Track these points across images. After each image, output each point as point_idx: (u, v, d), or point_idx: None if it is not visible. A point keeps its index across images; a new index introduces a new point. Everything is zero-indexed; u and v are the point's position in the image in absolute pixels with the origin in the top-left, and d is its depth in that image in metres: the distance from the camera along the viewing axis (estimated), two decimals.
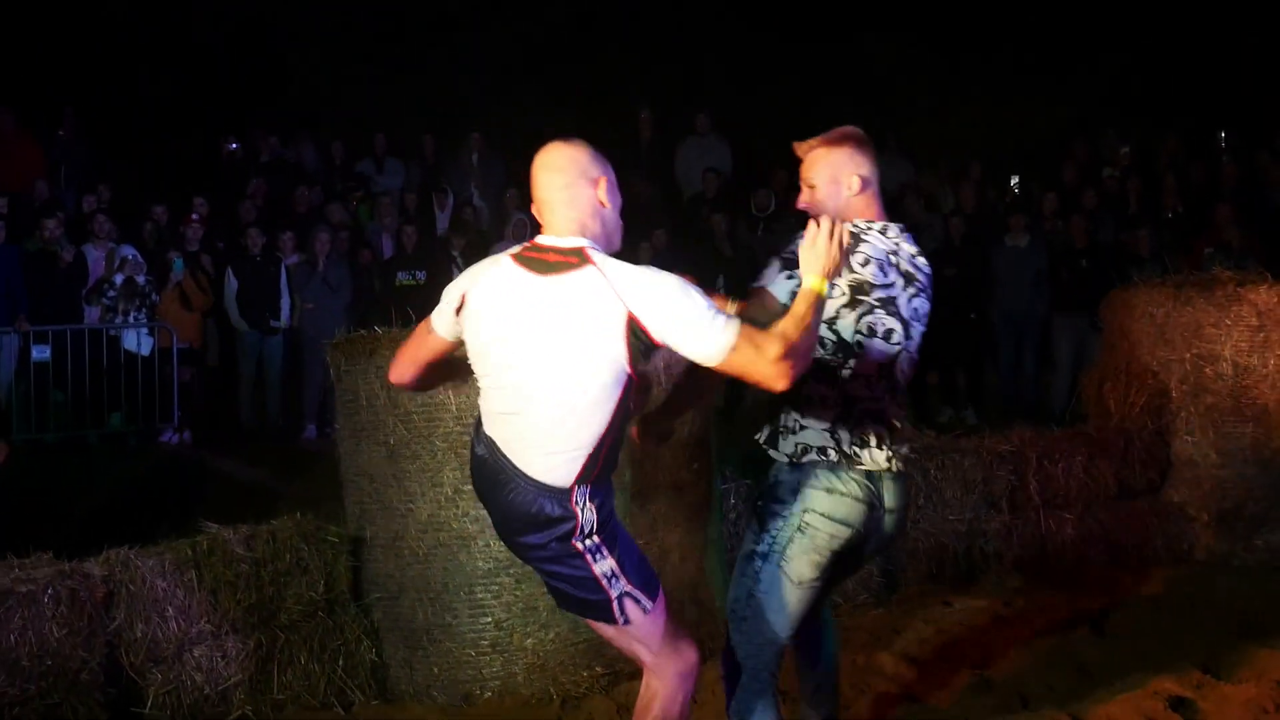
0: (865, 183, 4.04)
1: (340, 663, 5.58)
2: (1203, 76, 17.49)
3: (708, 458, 6.09)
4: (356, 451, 5.81)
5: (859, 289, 3.87)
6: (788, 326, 3.55)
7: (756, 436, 4.06)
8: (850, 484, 3.89)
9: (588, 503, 3.65)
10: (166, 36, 17.19)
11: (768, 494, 4.00)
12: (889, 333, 3.94)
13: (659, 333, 3.50)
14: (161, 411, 11.78)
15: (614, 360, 3.54)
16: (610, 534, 3.72)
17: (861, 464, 3.89)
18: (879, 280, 3.90)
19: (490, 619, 5.52)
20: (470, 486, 5.41)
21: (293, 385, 12.43)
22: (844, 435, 3.89)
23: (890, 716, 5.19)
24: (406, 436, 5.57)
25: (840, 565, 4.02)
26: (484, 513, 5.41)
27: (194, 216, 12.70)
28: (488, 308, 3.66)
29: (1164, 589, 6.87)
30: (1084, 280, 11.83)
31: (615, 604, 3.71)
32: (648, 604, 3.75)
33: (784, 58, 18.49)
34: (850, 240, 3.83)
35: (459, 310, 3.72)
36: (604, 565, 3.70)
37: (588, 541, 3.67)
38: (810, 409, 3.91)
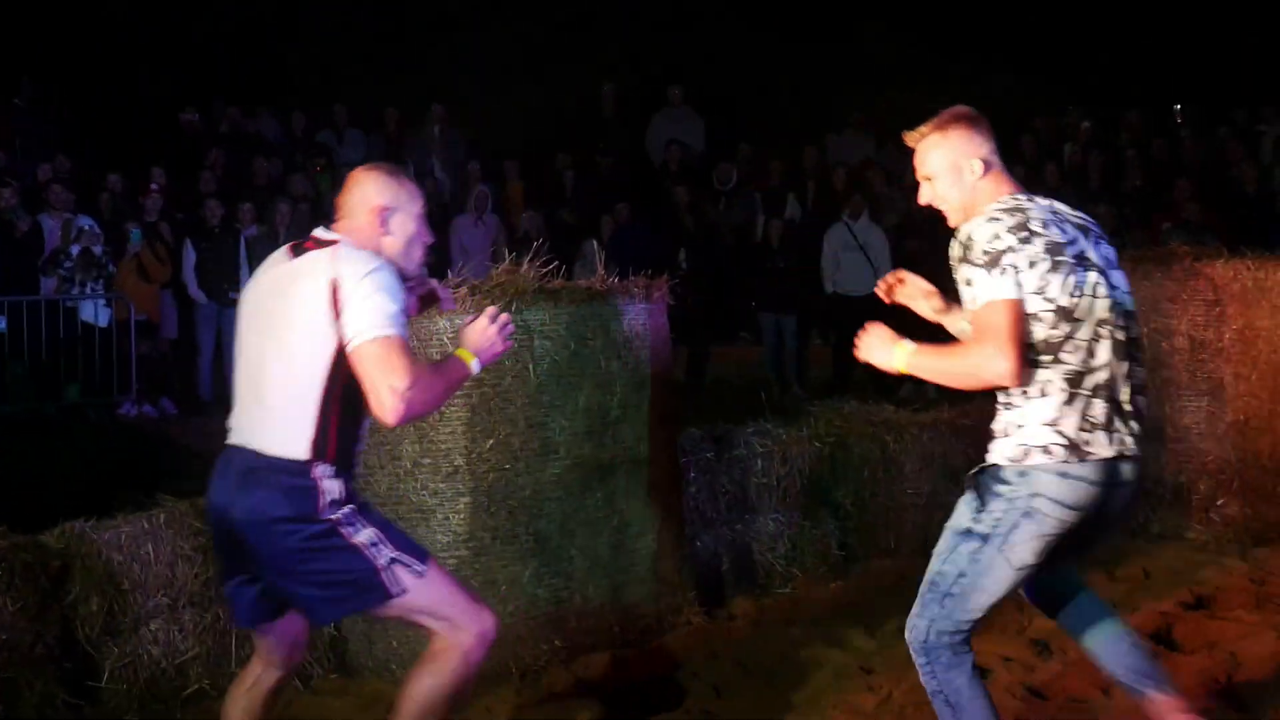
0: (988, 165, 3.84)
1: None
2: (1162, 52, 17.58)
3: (669, 431, 6.10)
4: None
5: (1054, 250, 3.66)
6: (429, 371, 3.70)
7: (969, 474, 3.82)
8: (1084, 466, 3.64)
9: (331, 478, 3.68)
10: (165, 36, 17.04)
11: (991, 469, 3.74)
12: (1096, 286, 3.71)
13: (342, 299, 3.61)
14: (120, 383, 11.70)
15: (321, 327, 3.62)
16: (363, 507, 3.76)
17: (1092, 453, 3.64)
18: (1064, 238, 3.71)
19: None
20: (429, 460, 5.48)
21: None
22: (1070, 423, 3.65)
23: (852, 686, 5.21)
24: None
25: (1073, 543, 3.81)
26: (443, 486, 5.47)
27: (153, 187, 12.60)
28: (247, 292, 3.90)
29: (1119, 561, 6.93)
30: None
31: (384, 573, 3.70)
32: (419, 566, 3.74)
33: (743, 28, 18.49)
34: (1010, 217, 3.69)
35: None
36: (364, 534, 3.70)
37: (340, 512, 3.68)
38: (1030, 400, 3.68)
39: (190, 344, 12.39)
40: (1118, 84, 16.95)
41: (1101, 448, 3.65)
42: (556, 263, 5.87)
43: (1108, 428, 3.67)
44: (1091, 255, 3.76)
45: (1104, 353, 3.69)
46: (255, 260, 12.19)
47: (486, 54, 17.72)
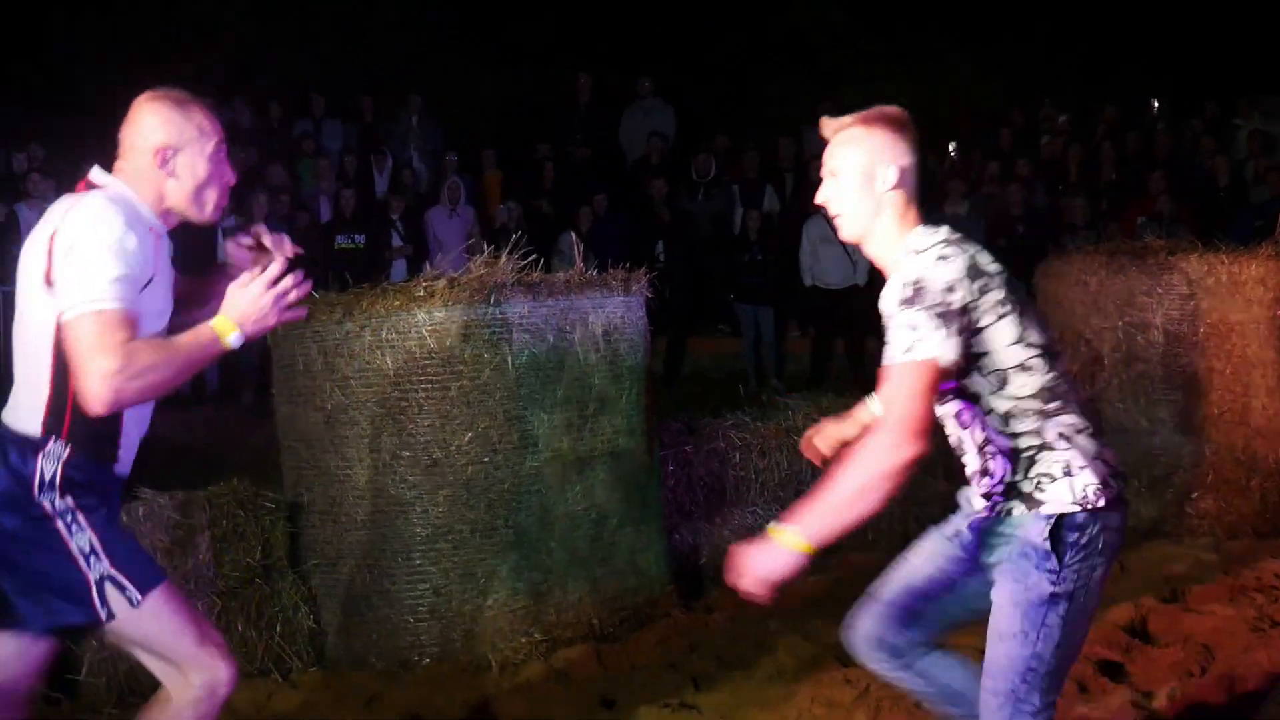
0: (903, 178, 3.35)
1: (278, 629, 5.56)
2: (1139, 46, 17.64)
3: (647, 424, 6.11)
4: (294, 417, 5.77)
5: (1011, 287, 3.27)
6: (154, 349, 3.17)
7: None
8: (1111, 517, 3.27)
9: (60, 461, 3.22)
10: (142, 26, 16.93)
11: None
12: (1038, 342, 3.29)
13: (54, 263, 3.16)
14: None
15: (40, 292, 3.21)
16: (92, 508, 3.25)
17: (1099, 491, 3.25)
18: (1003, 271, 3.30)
19: (428, 585, 5.52)
20: (408, 453, 5.48)
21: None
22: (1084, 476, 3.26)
23: (829, 679, 5.24)
24: (344, 402, 5.55)
25: None
26: (421, 479, 5.47)
27: None
28: None
29: None
30: (1021, 248, 11.94)
31: (94, 589, 3.22)
32: (135, 595, 3.24)
33: (724, 25, 18.47)
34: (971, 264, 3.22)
35: None
36: (81, 539, 3.23)
37: (58, 502, 3.22)
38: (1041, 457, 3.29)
39: None
40: (1094, 77, 17.01)
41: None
42: (534, 255, 5.87)
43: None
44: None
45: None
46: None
47: (463, 43, 17.68)
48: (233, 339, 3.28)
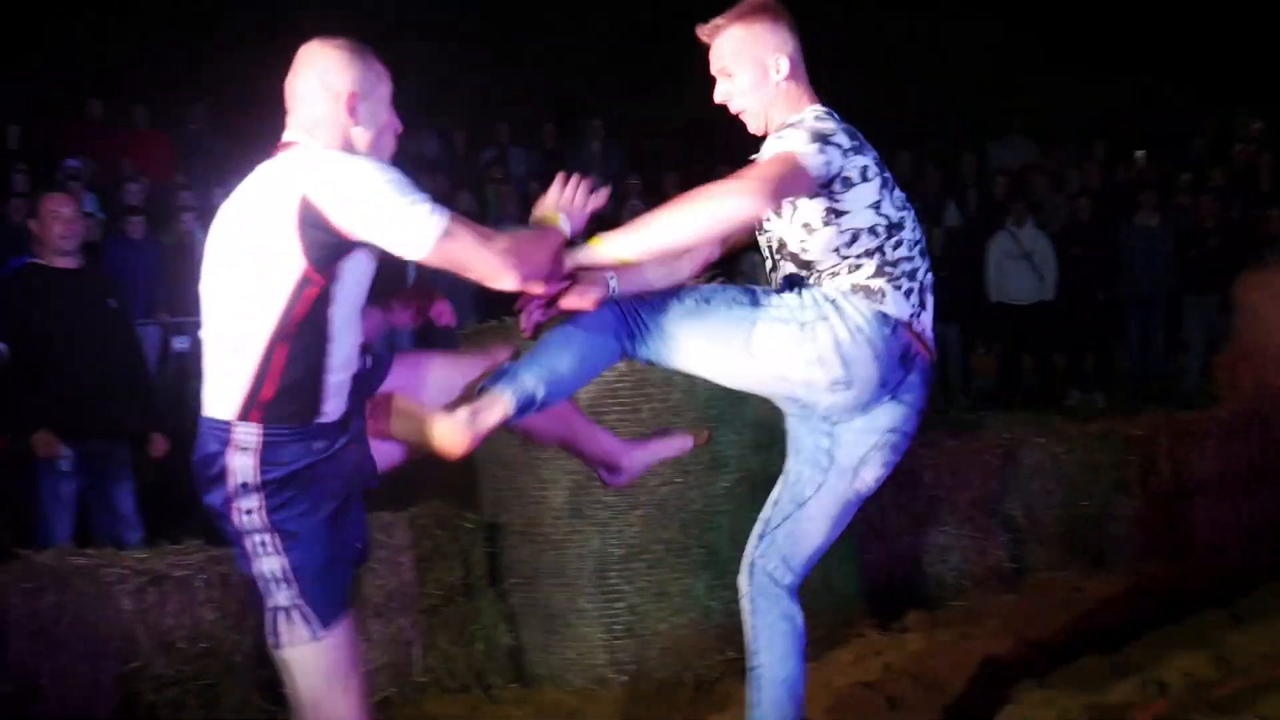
0: (794, 64, 3.56)
1: (478, 646, 5.71)
2: None
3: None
4: (491, 440, 5.90)
5: (880, 165, 3.52)
6: (520, 234, 3.23)
7: None
8: (880, 339, 3.50)
9: (252, 449, 3.02)
10: (279, 28, 17.53)
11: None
12: (909, 207, 3.62)
13: (343, 220, 2.94)
14: None
15: (280, 255, 2.98)
16: (287, 519, 3.03)
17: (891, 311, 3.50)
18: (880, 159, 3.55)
19: (624, 604, 5.61)
20: None
21: None
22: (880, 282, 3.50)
23: (1020, 702, 5.17)
24: None
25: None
26: (616, 499, 5.55)
27: None
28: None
29: None
30: (1214, 260, 11.63)
31: (269, 614, 3.08)
32: (317, 628, 3.07)
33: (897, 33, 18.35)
34: (854, 134, 3.48)
35: None
36: (270, 563, 3.05)
37: (248, 518, 3.03)
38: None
39: None
40: None
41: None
42: (720, 276, 5.92)
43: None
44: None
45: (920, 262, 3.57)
46: (423, 276, 12.49)
47: (643, 66, 17.88)
48: (564, 223, 3.35)
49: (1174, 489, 7.23)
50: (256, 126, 14.72)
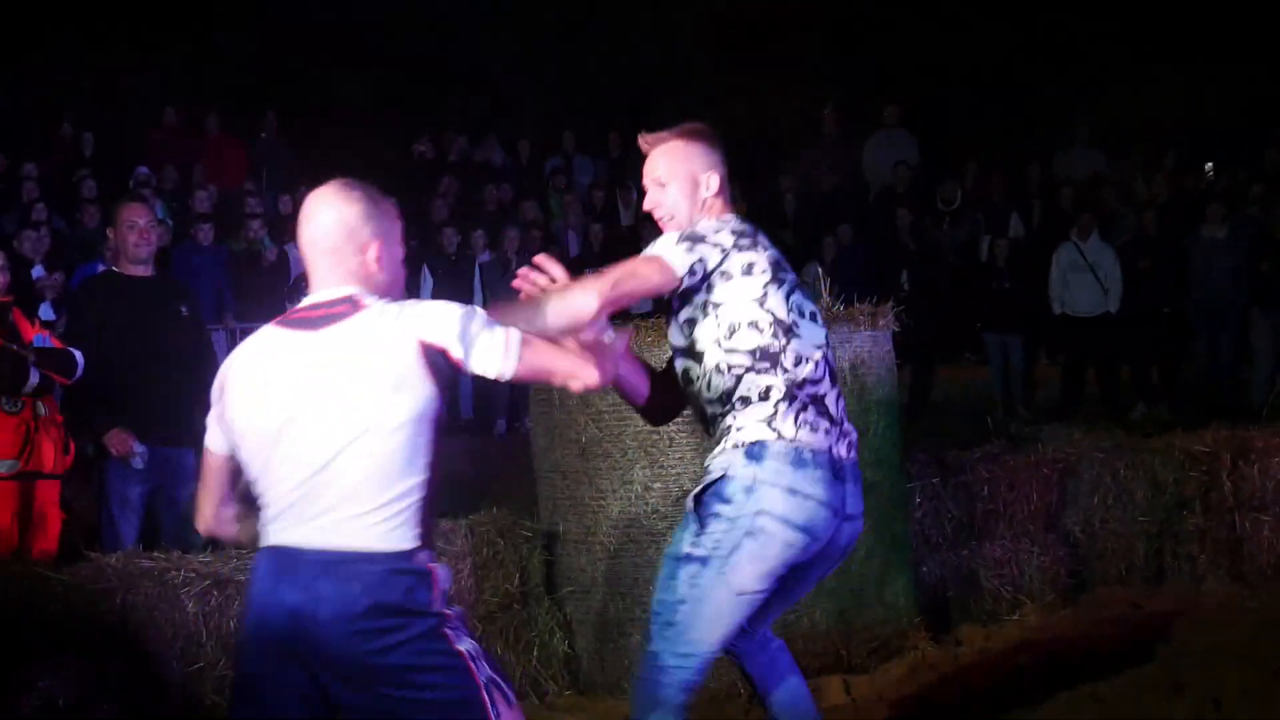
0: (722, 181, 3.87)
1: (535, 654, 5.78)
2: None
3: (895, 456, 6.14)
4: (549, 449, 6.00)
5: (778, 265, 3.73)
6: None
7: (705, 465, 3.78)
8: (815, 486, 3.63)
9: (433, 562, 3.14)
10: (397, 71, 17.80)
11: (711, 488, 3.67)
12: (814, 314, 3.81)
13: (453, 349, 3.12)
14: None
15: (416, 391, 3.12)
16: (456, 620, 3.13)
17: (808, 445, 3.64)
18: (782, 260, 3.77)
19: None
20: (660, 485, 5.63)
21: (483, 381, 12.70)
22: (789, 423, 3.65)
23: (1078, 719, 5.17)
24: (598, 435, 5.75)
25: (790, 580, 3.77)
26: (673, 510, 5.60)
27: None
28: (253, 381, 3.22)
29: None
30: None
31: (484, 692, 3.05)
32: (510, 695, 3.14)
33: (967, 40, 18.27)
34: (747, 234, 3.75)
35: (221, 405, 3.28)
36: (467, 643, 3.10)
37: (449, 612, 3.10)
38: (753, 401, 3.68)
39: None
40: None
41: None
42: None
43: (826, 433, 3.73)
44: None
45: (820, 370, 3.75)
46: (489, 286, 12.62)
47: (704, 77, 17.94)
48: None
49: (1236, 506, 7.17)
50: (325, 134, 14.99)
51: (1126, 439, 7.41)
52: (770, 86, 17.54)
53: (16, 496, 6.29)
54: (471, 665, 3.06)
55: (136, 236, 6.49)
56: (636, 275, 3.62)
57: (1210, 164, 15.53)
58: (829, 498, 3.65)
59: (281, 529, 3.14)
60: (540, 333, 3.34)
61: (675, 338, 3.83)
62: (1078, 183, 14.07)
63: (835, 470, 3.69)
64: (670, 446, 5.63)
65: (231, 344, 11.67)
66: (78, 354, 6.29)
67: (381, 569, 3.05)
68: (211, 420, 3.33)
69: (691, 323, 3.74)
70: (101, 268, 6.61)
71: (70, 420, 6.54)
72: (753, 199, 14.73)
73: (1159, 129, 16.13)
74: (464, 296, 12.51)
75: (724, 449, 3.69)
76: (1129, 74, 17.81)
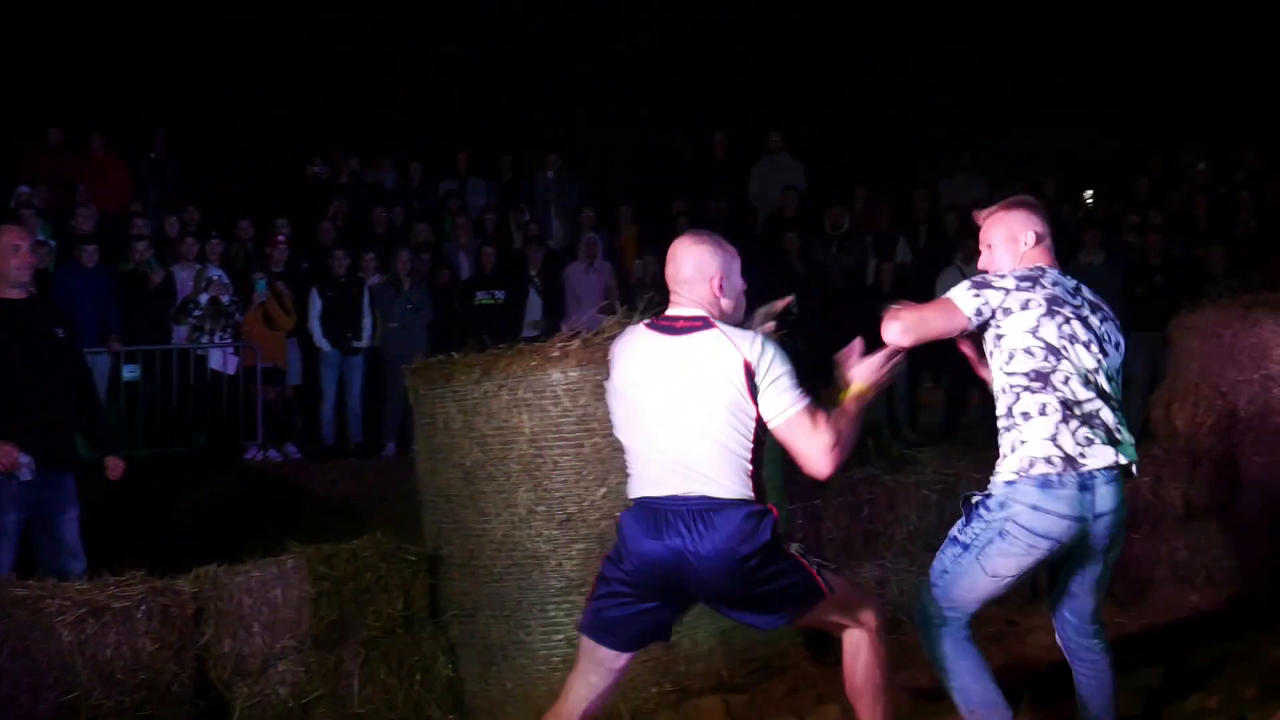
0: (1039, 238, 4.58)
1: (418, 678, 5.77)
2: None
3: (779, 478, 6.21)
4: (434, 473, 6.01)
5: (1054, 301, 4.42)
6: (840, 419, 4.20)
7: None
8: (1058, 503, 4.35)
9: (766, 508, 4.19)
10: (288, 91, 17.66)
11: (981, 496, 4.53)
12: (1089, 343, 4.43)
13: (759, 379, 4.14)
14: (246, 429, 12.10)
15: (739, 395, 4.13)
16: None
17: (1086, 465, 4.35)
18: (1069, 299, 4.47)
19: (563, 636, 5.68)
20: (544, 508, 5.66)
21: (373, 403, 12.68)
22: (1067, 440, 4.36)
23: None
24: (482, 459, 5.76)
25: (1068, 566, 4.60)
26: (556, 533, 5.63)
27: (280, 238, 13.01)
28: (631, 367, 4.30)
29: (1230, 608, 6.88)
30: (1158, 297, 11.81)
31: (819, 577, 4.25)
32: (832, 566, 4.40)
33: (854, 71, 18.60)
34: (1029, 278, 4.47)
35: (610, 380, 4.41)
36: (796, 546, 4.29)
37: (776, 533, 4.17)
38: (1032, 416, 4.40)
39: (314, 390, 12.73)
40: (1235, 123, 16.77)
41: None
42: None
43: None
44: (1092, 323, 4.47)
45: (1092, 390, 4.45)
46: (378, 308, 12.56)
47: (600, 103, 18.05)
48: (870, 393, 4.35)
49: None
50: (216, 154, 14.82)
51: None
52: (663, 114, 17.71)
53: None
54: (804, 561, 4.24)
55: (19, 261, 6.41)
56: (930, 316, 4.47)
57: (1089, 192, 15.92)
58: (1070, 511, 4.36)
59: (650, 472, 4.26)
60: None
61: (990, 365, 4.58)
62: (962, 209, 14.34)
63: (1082, 483, 4.36)
64: (554, 470, 5.66)
65: (116, 367, 11.56)
66: None
67: (739, 512, 4.13)
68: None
69: (990, 355, 4.52)
70: None
71: None
72: (645, 223, 14.85)
73: (1040, 159, 16.53)
74: (353, 319, 12.45)
75: (1004, 458, 4.47)
76: (1012, 110, 18.26)
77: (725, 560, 4.10)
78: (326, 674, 5.59)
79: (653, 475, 4.23)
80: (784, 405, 4.14)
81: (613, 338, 5.70)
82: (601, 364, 5.61)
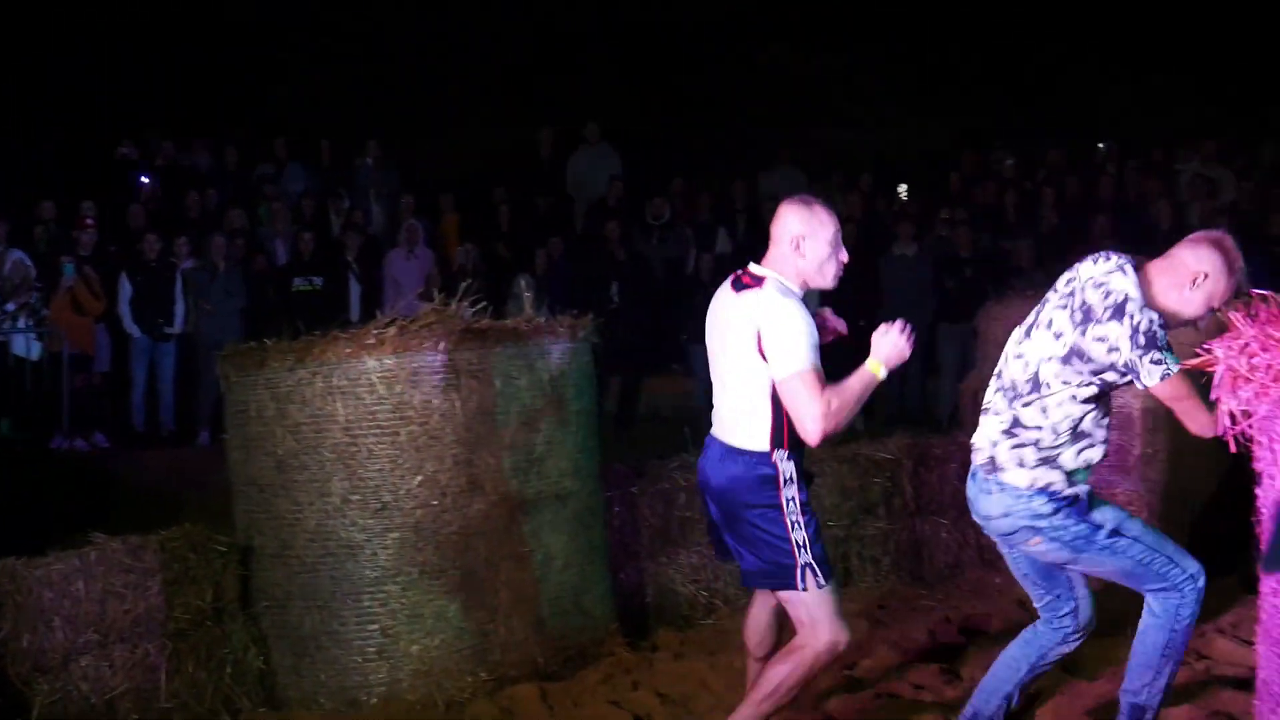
0: (1210, 277, 4.56)
1: (228, 670, 5.67)
2: (1087, 90, 18.03)
3: (593, 466, 6.25)
4: (246, 461, 5.89)
5: (1038, 313, 4.68)
6: (839, 392, 4.38)
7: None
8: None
9: (786, 460, 4.46)
10: (100, 69, 17.07)
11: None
12: (1029, 330, 4.70)
13: (765, 340, 4.39)
14: (52, 417, 11.71)
15: (755, 354, 4.41)
16: (806, 503, 4.51)
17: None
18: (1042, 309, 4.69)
19: (377, 626, 5.63)
20: (358, 497, 5.60)
21: (186, 391, 12.40)
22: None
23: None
24: (295, 448, 5.67)
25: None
26: (371, 522, 5.58)
27: (88, 220, 12.62)
28: (710, 318, 4.67)
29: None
30: (968, 289, 12.16)
31: (799, 572, 4.45)
32: (823, 581, 4.48)
33: (676, 64, 18.77)
34: None
35: None
36: (799, 534, 4.46)
37: (795, 499, 4.48)
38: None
39: (123, 377, 12.38)
40: (1045, 122, 17.35)
41: None
42: (490, 298, 6.01)
43: None
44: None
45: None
46: (191, 293, 12.27)
47: (423, 90, 17.90)
48: (883, 372, 4.52)
49: (917, 510, 7.56)
50: (22, 133, 14.23)
51: (817, 449, 7.69)
52: (488, 109, 17.66)
53: None
54: (795, 548, 4.46)
55: None
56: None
57: (903, 186, 16.31)
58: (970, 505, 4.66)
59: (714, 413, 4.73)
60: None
61: None
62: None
63: (972, 476, 4.63)
64: (369, 458, 5.60)
65: None
66: None
67: (746, 461, 4.50)
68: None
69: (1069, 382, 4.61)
70: None
71: None
72: (465, 212, 14.76)
73: (857, 154, 16.89)
74: (165, 304, 12.15)
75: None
76: (830, 106, 18.62)
77: (727, 500, 4.54)
78: (132, 668, 5.46)
79: (715, 414, 4.66)
80: (781, 368, 4.35)
81: (429, 325, 5.70)
82: (418, 351, 5.58)
